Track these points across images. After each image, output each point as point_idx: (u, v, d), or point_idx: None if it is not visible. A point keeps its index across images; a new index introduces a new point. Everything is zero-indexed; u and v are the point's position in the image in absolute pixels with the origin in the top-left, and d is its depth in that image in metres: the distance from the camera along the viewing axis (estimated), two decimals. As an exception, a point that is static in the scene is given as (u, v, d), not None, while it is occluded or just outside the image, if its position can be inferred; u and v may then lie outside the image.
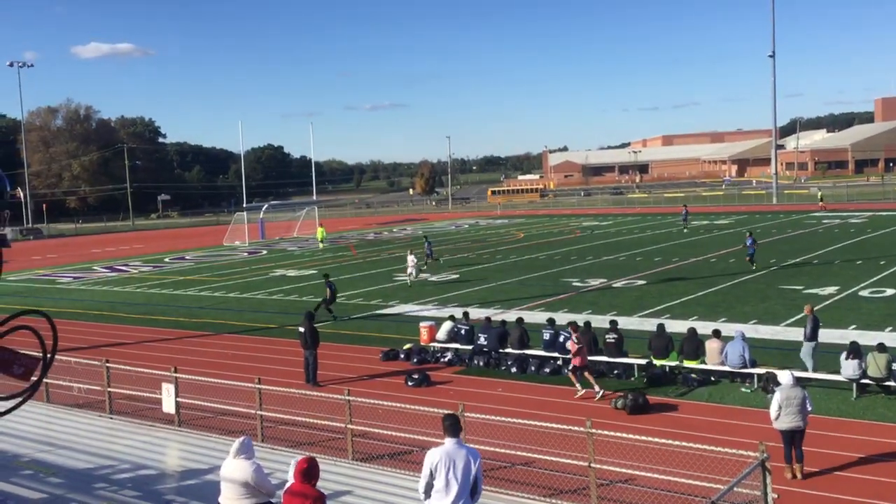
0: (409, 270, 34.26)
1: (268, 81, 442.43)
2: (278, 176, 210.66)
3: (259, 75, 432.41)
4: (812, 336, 16.97)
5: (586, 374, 16.75)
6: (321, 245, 57.41)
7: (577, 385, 16.74)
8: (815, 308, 24.42)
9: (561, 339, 18.75)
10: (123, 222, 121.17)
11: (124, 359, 19.96)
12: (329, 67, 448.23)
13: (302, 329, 18.87)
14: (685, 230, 54.53)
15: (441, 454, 7.95)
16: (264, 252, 55.82)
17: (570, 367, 16.95)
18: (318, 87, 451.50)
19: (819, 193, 75.41)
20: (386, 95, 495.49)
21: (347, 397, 12.96)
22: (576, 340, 16.79)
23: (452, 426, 8.06)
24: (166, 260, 53.52)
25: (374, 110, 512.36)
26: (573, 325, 17.70)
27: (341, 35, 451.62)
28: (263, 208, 73.79)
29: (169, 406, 15.07)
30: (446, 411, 8.78)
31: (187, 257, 54.92)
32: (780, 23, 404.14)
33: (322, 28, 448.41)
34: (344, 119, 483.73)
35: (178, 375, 15.17)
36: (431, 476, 7.93)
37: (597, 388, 16.53)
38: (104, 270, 48.66)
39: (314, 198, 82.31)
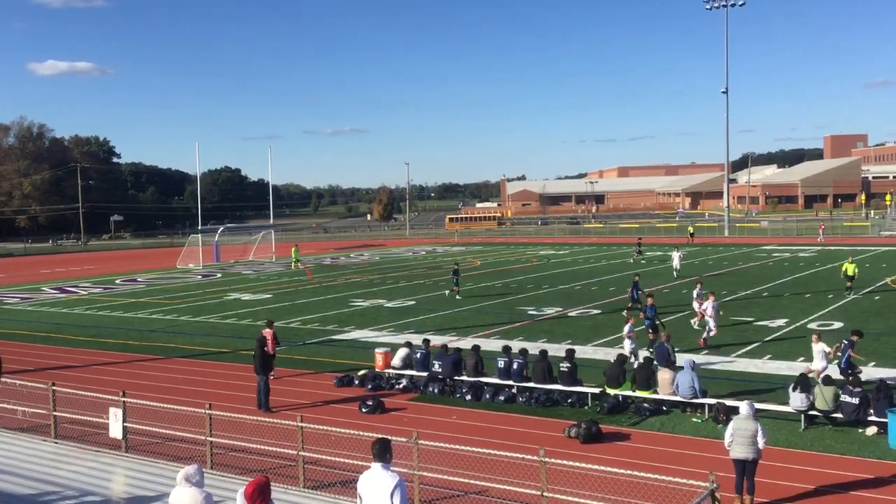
0: None
1: (228, 105, 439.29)
2: (235, 199, 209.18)
3: (219, 98, 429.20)
4: (668, 363, 18.44)
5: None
6: (295, 264, 59.15)
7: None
8: (765, 339, 25.01)
9: (515, 366, 18.85)
10: (74, 242, 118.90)
11: (71, 382, 19.52)
12: (291, 92, 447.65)
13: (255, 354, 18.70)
14: (642, 261, 56.28)
15: (365, 479, 8.20)
16: (218, 275, 55.19)
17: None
18: (280, 111, 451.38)
19: (690, 229, 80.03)
20: (347, 120, 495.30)
21: (300, 423, 12.82)
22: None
23: (378, 451, 8.21)
24: (117, 282, 52.59)
25: (335, 135, 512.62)
26: None
27: (304, 60, 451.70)
28: (219, 231, 73.14)
29: (116, 431, 14.74)
30: (401, 439, 8.74)
31: (139, 279, 54.05)
32: (735, 60, 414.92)
33: (285, 53, 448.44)
34: (304, 143, 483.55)
35: (126, 400, 14.86)
36: (361, 499, 8.22)
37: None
38: (53, 291, 47.63)
39: (271, 221, 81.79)
